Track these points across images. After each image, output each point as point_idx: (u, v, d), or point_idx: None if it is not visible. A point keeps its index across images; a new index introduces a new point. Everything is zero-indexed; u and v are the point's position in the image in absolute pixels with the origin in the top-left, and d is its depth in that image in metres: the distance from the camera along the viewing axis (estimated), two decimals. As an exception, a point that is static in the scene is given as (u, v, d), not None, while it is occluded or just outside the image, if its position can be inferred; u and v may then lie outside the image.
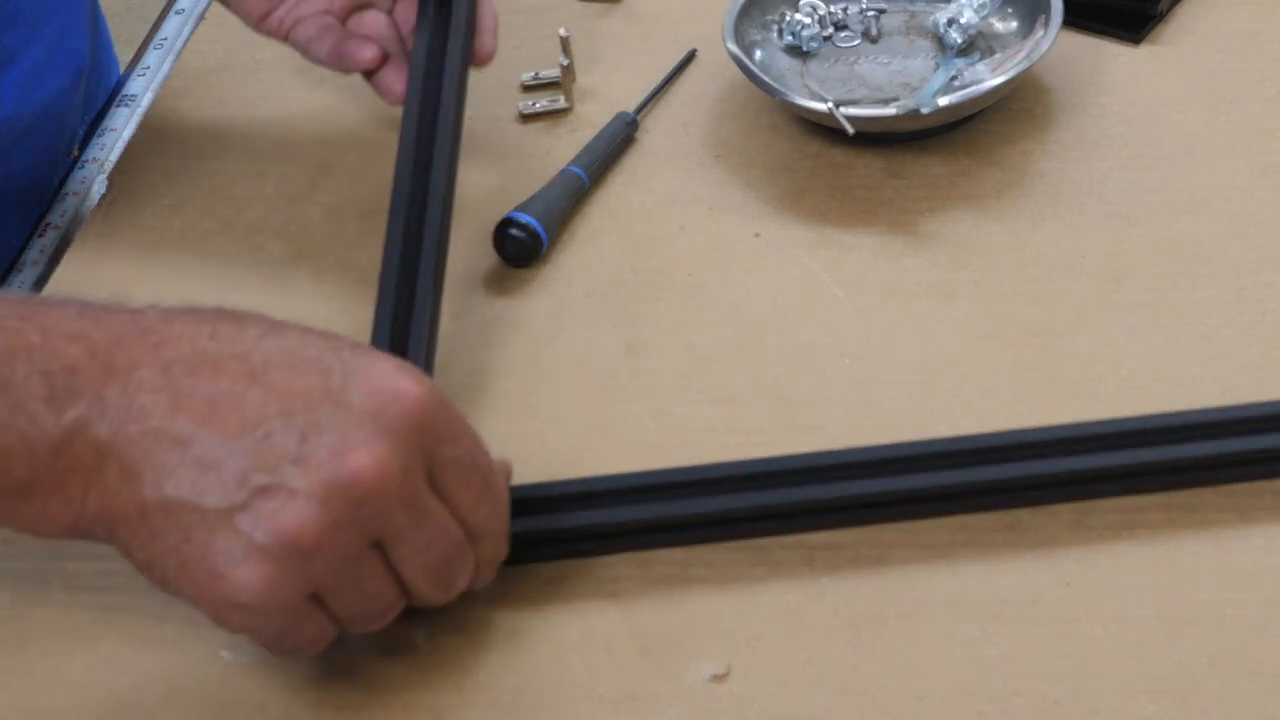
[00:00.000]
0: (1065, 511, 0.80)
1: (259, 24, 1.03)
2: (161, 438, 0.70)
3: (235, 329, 0.73)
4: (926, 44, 1.05)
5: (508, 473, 0.77)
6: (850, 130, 0.97)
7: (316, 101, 1.09)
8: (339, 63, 1.00)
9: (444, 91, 0.95)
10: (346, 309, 0.93)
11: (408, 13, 1.01)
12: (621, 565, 0.80)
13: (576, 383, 0.89)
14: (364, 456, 0.70)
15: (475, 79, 1.09)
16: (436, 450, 0.72)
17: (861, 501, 0.80)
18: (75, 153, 1.09)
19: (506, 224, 0.95)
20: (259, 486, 0.69)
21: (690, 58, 1.08)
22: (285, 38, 1.03)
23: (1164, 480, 0.80)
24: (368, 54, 0.99)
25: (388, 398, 0.71)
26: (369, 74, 1.00)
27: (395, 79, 0.99)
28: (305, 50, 1.02)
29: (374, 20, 1.02)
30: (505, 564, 0.77)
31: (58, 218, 1.05)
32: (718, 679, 0.75)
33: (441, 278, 0.89)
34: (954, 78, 1.00)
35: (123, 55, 1.21)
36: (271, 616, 0.71)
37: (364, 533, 0.71)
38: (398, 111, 0.96)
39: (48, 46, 1.01)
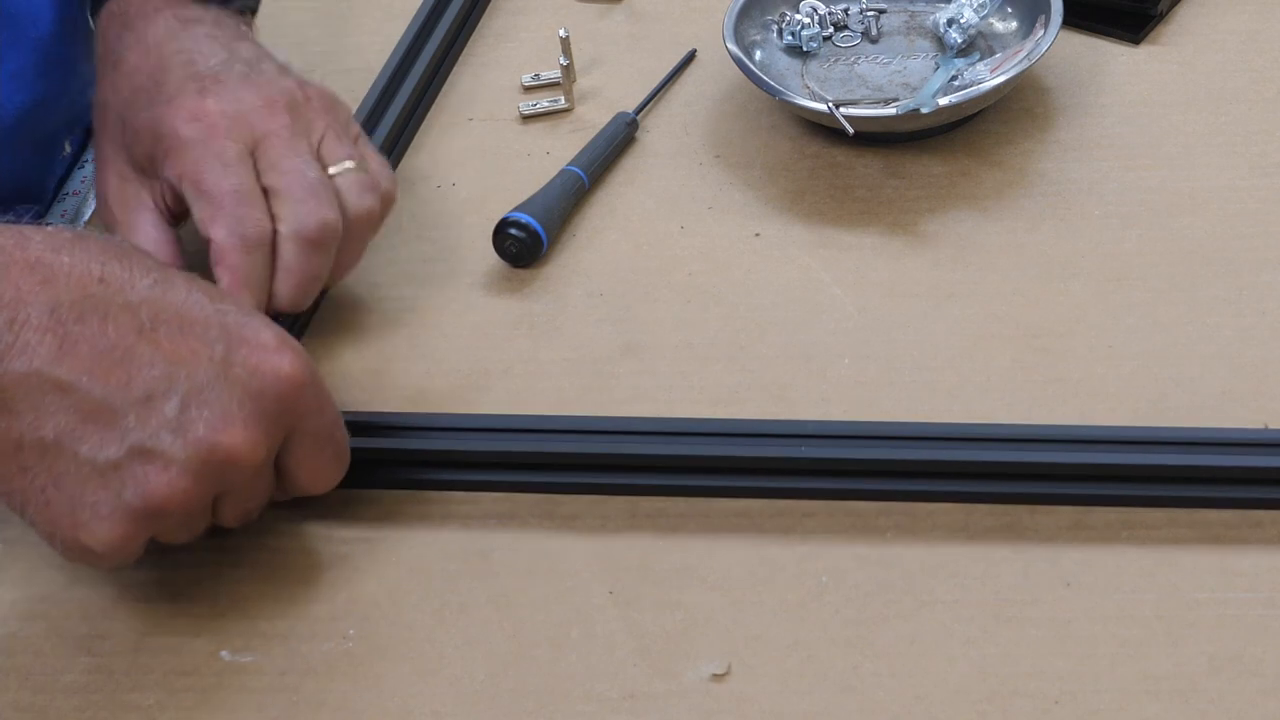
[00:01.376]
0: (1065, 512, 0.80)
1: None
2: (45, 380, 0.72)
3: (124, 272, 0.75)
4: (926, 44, 1.05)
5: None
6: (850, 130, 0.97)
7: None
8: None
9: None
10: (346, 309, 0.94)
11: None
12: (622, 564, 0.80)
13: (576, 383, 0.89)
14: (239, 436, 0.74)
15: (475, 79, 1.09)
16: (300, 424, 0.77)
17: (841, 469, 0.81)
18: (66, 149, 1.08)
19: (506, 224, 0.95)
20: (136, 448, 0.73)
21: (690, 58, 1.08)
22: None
23: (1160, 493, 0.80)
24: None
25: (268, 378, 0.75)
26: None
27: None
28: None
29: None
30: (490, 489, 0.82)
31: (57, 218, 1.05)
32: (718, 678, 0.75)
33: None
34: (954, 78, 1.00)
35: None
36: (114, 562, 0.75)
37: (214, 494, 0.75)
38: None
39: (34, 48, 1.01)
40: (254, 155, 0.87)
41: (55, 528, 0.74)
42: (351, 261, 0.89)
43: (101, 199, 0.92)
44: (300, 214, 0.85)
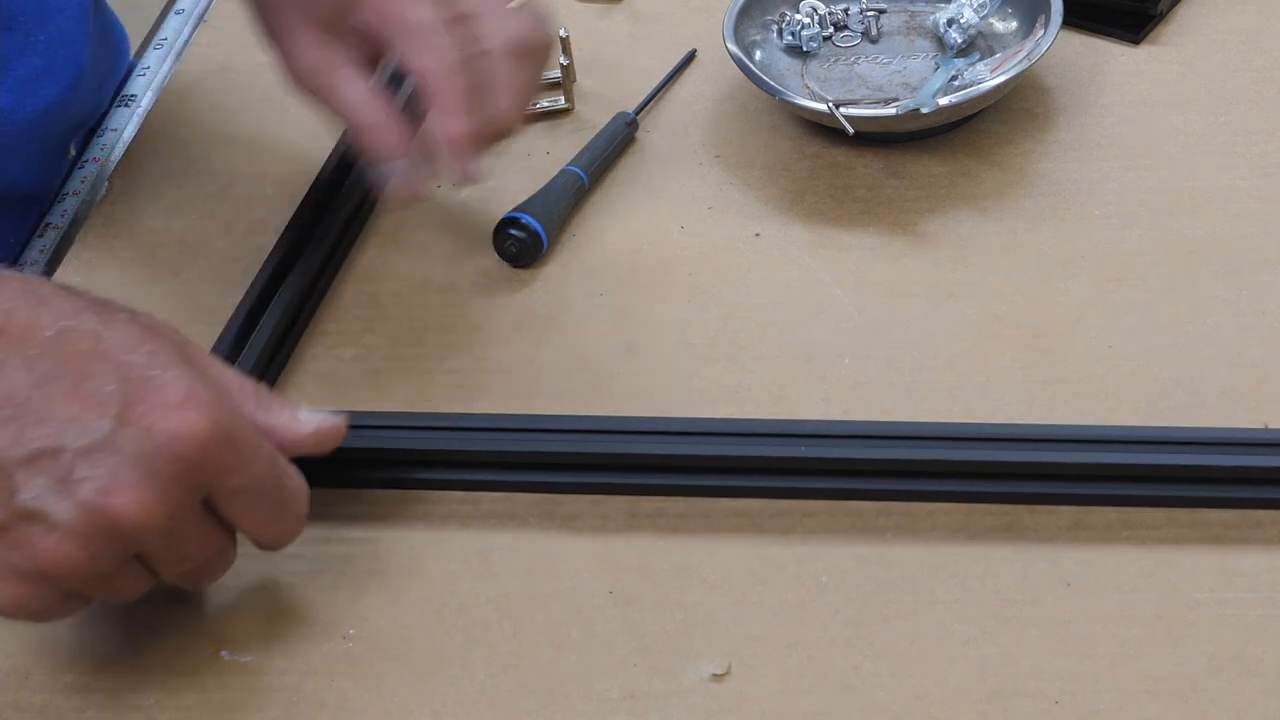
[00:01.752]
0: (1065, 512, 0.80)
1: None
2: None
3: (29, 320, 0.71)
4: (926, 44, 1.05)
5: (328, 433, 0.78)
6: (850, 130, 0.97)
7: (316, 102, 1.09)
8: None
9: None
10: (346, 309, 0.94)
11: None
12: (622, 564, 0.80)
13: (576, 383, 0.89)
14: (128, 500, 0.69)
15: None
16: (218, 482, 0.72)
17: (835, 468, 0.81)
18: (71, 151, 1.09)
19: (506, 224, 0.95)
20: (22, 510, 0.69)
21: (690, 58, 1.08)
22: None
23: (1160, 491, 0.80)
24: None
25: (162, 437, 0.70)
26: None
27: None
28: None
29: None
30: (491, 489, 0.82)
31: (58, 218, 1.05)
32: (718, 678, 0.75)
33: (305, 302, 0.93)
34: (954, 78, 1.00)
35: (122, 55, 1.21)
36: (29, 620, 0.73)
37: (121, 555, 0.71)
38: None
39: (44, 52, 1.01)
40: None
41: None
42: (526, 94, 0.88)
43: (296, 73, 0.90)
44: (504, 27, 0.85)
